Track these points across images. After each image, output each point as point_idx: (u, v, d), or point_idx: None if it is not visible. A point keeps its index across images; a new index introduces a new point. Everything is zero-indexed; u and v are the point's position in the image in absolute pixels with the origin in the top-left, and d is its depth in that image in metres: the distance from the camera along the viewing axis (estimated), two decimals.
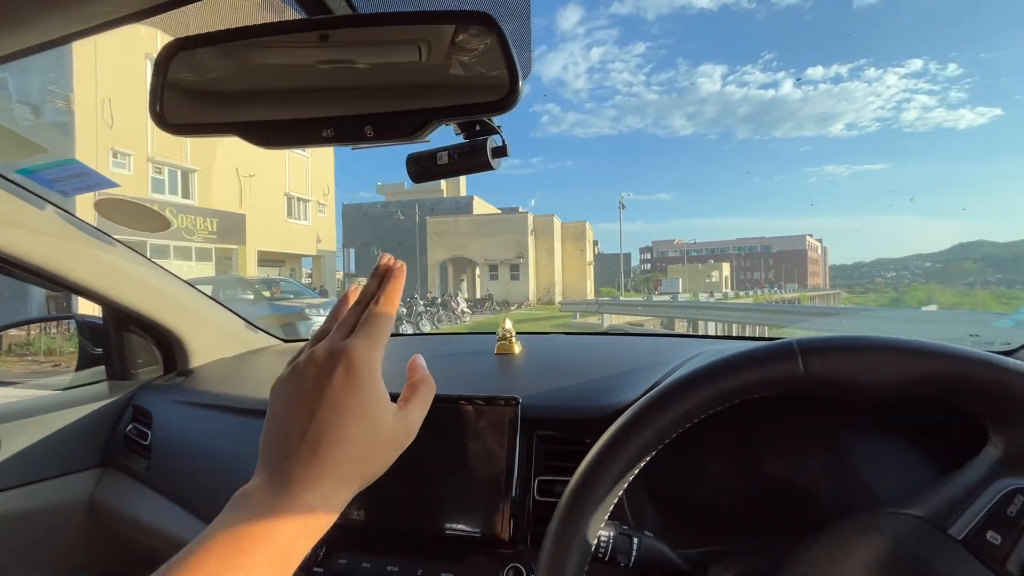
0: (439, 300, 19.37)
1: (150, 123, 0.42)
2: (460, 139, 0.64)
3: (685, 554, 0.51)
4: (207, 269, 17.32)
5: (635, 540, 0.47)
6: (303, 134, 0.44)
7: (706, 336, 1.40)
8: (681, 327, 13.08)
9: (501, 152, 0.62)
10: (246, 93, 0.48)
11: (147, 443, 0.95)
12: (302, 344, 1.34)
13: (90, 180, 0.83)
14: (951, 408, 0.35)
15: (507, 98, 0.42)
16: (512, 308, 25.16)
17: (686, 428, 0.39)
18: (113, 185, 0.84)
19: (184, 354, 1.15)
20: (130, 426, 1.01)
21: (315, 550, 0.65)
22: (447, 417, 0.68)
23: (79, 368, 1.21)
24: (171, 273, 1.13)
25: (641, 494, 0.67)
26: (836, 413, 0.67)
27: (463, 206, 34.13)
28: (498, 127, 0.61)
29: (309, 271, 25.57)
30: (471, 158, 0.61)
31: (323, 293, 17.99)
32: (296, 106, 0.47)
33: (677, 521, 0.67)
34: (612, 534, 0.46)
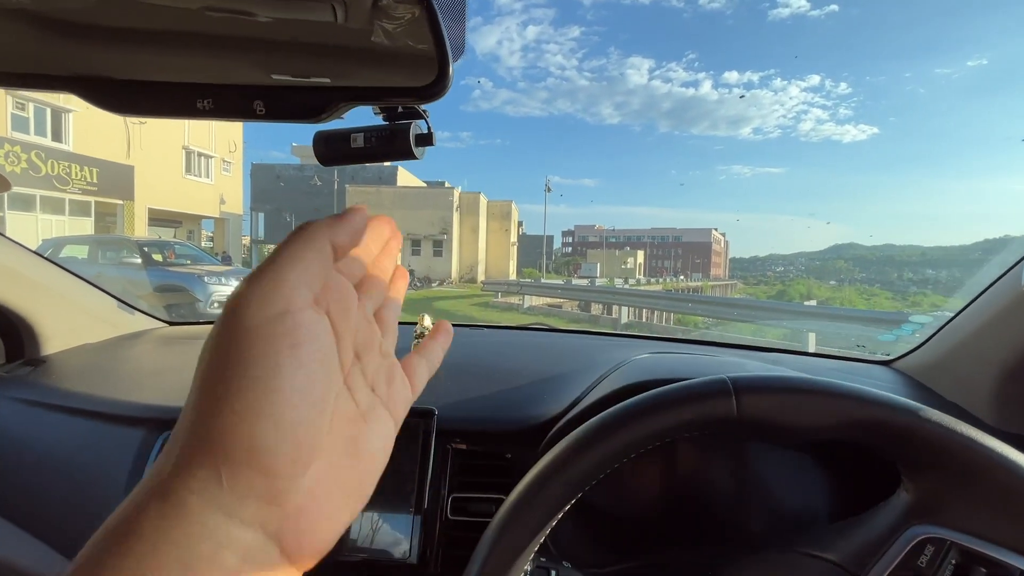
0: None
1: None
2: (380, 120, 0.56)
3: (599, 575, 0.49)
4: (84, 225, 15.20)
5: (552, 573, 0.45)
6: (170, 102, 0.34)
7: (628, 336, 1.43)
8: (597, 310, 13.65)
9: (426, 140, 0.54)
10: (96, 35, 0.36)
11: None
12: (193, 328, 1.17)
13: None
14: (871, 451, 0.35)
15: (435, 85, 0.35)
16: (434, 285, 24.78)
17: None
18: None
19: (33, 339, 0.96)
20: None
21: None
22: None
23: None
24: (12, 240, 0.93)
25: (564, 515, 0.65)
26: (759, 444, 0.68)
27: (386, 176, 32.76)
28: (424, 111, 0.54)
29: (210, 235, 23.33)
30: (390, 144, 0.53)
31: (226, 260, 16.49)
32: (165, 64, 0.37)
33: (594, 537, 0.66)
34: (529, 569, 0.43)
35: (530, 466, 0.63)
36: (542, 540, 0.37)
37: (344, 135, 0.55)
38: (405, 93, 0.36)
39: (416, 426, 0.61)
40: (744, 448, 0.67)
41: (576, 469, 0.36)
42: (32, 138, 14.07)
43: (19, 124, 13.91)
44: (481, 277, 29.56)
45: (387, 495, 0.59)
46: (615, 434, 0.36)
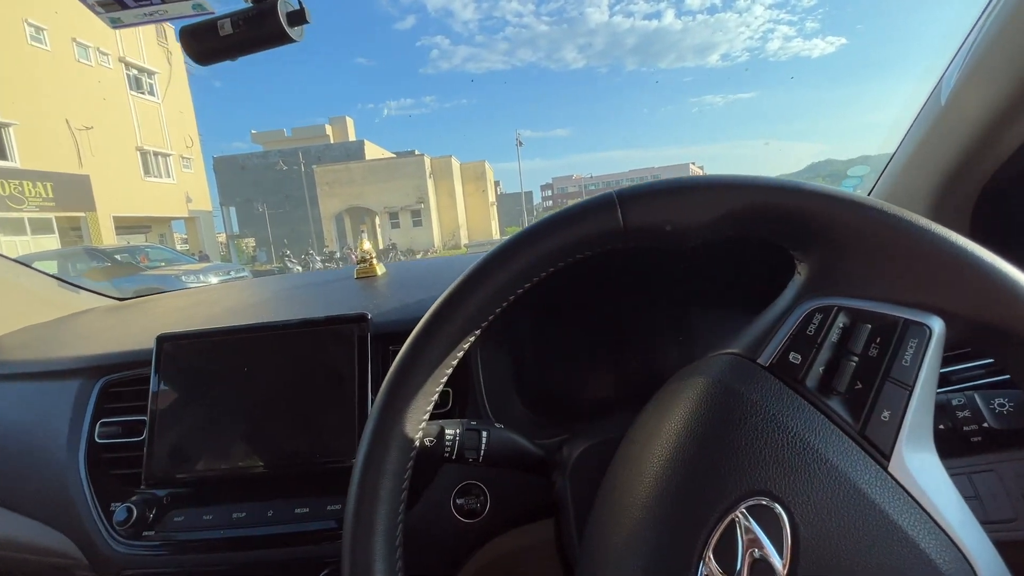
0: (338, 255, 18.31)
1: None
2: (247, 5, 0.52)
3: (543, 443, 0.49)
4: (50, 243, 14.72)
5: (484, 433, 0.44)
6: None
7: None
8: None
9: (299, 18, 0.50)
10: None
11: None
12: (139, 300, 1.14)
13: None
14: (763, 240, 0.34)
15: None
16: (418, 256, 24.61)
17: (513, 299, 0.36)
18: None
19: None
20: None
21: (143, 512, 0.56)
22: (289, 345, 0.60)
23: None
24: None
25: (509, 393, 0.65)
26: (673, 283, 0.68)
27: (353, 152, 31.82)
28: None
29: (184, 236, 22.74)
30: (261, 27, 0.50)
31: (203, 258, 16.17)
32: None
33: (547, 416, 0.66)
34: (457, 431, 0.43)
35: (472, 360, 0.63)
36: (439, 389, 0.36)
37: (211, 25, 0.51)
38: None
39: (350, 332, 0.60)
40: (655, 294, 0.68)
41: (471, 305, 0.35)
42: None
43: None
44: (464, 241, 29.36)
45: (329, 403, 0.58)
46: (512, 260, 0.34)
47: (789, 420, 0.30)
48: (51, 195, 14.88)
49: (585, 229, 0.34)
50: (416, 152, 33.03)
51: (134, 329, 0.79)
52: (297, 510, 0.56)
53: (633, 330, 0.69)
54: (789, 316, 0.32)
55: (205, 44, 0.51)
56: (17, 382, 0.73)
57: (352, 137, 35.19)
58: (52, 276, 1.12)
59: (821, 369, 0.31)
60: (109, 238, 16.42)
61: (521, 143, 34.47)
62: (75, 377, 0.66)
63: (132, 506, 0.56)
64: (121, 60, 18.48)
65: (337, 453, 0.57)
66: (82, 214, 15.86)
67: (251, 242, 30.76)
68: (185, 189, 21.22)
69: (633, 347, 0.69)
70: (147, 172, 19.46)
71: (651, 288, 0.69)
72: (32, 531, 0.63)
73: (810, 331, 0.31)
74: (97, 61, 17.49)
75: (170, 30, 21.32)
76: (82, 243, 15.54)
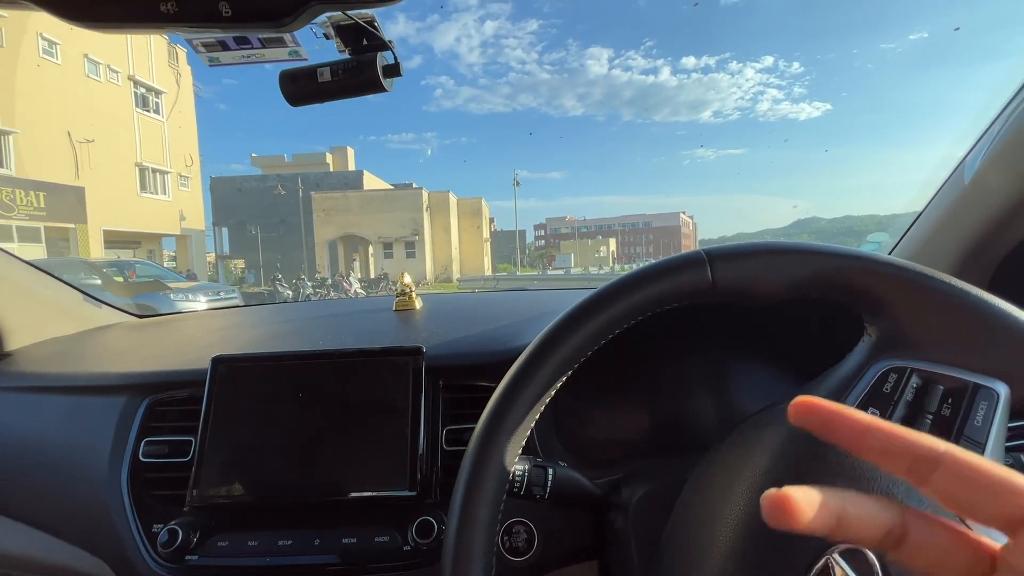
0: (329, 281, 18.24)
1: None
2: (344, 56, 0.56)
3: (599, 483, 0.51)
4: (35, 252, 14.48)
5: (550, 471, 0.46)
6: (131, 7, 0.34)
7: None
8: None
9: (394, 71, 0.55)
10: None
11: None
12: (164, 317, 1.15)
13: None
14: (837, 304, 0.37)
15: None
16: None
17: (599, 348, 0.38)
18: None
19: None
20: None
21: (187, 535, 0.56)
22: (344, 373, 0.62)
23: None
24: None
25: (550, 435, 0.67)
26: (711, 338, 0.72)
27: (352, 181, 32.19)
28: (389, 41, 0.54)
29: (172, 253, 22.52)
30: (359, 76, 0.54)
31: (191, 276, 15.97)
32: None
33: (584, 459, 0.68)
34: (527, 467, 0.45)
35: None
36: (533, 425, 0.38)
37: (310, 71, 0.55)
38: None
39: (405, 364, 0.62)
40: (706, 352, 0.71)
41: (566, 347, 0.37)
42: None
43: None
44: (456, 275, 29.43)
45: (383, 433, 0.59)
46: (600, 311, 0.37)
47: (871, 470, 0.32)
48: (43, 205, 14.75)
49: (677, 283, 0.37)
50: (414, 185, 33.51)
51: (174, 348, 0.80)
52: (344, 540, 0.56)
53: (668, 380, 0.72)
54: (865, 373, 0.35)
55: (302, 87, 0.54)
56: (51, 395, 0.73)
57: (352, 167, 35.66)
58: (77, 289, 1.12)
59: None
60: (97, 251, 16.22)
61: (519, 183, 35.20)
62: (120, 394, 0.66)
63: (177, 528, 0.56)
64: (130, 78, 18.78)
65: (387, 484, 0.57)
66: (72, 226, 15.70)
67: (240, 263, 30.52)
68: (180, 207, 21.18)
69: (667, 396, 0.72)
70: (143, 188, 19.45)
71: (687, 340, 0.72)
72: (63, 553, 0.62)
73: (886, 389, 0.34)
74: (106, 78, 17.76)
75: (181, 53, 21.84)
76: (69, 254, 15.32)
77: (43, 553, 0.64)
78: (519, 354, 0.64)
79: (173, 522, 0.57)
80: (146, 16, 0.34)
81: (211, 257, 28.86)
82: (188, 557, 0.56)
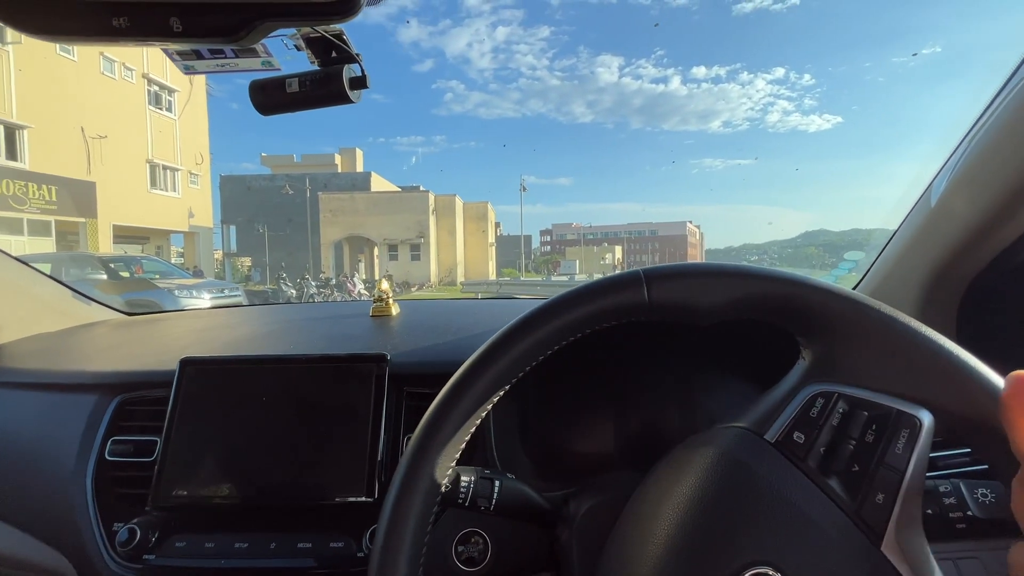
0: (333, 281, 18.32)
1: None
2: (314, 68, 0.57)
3: (549, 496, 0.51)
4: (45, 245, 14.65)
5: (496, 483, 0.46)
6: (84, 21, 0.35)
7: None
8: None
9: (360, 83, 0.56)
10: None
11: None
12: (152, 315, 1.16)
13: None
14: (771, 325, 0.38)
15: (347, 1, 0.36)
16: (413, 289, 24.62)
17: (539, 362, 0.39)
18: None
19: None
20: None
21: (145, 535, 0.56)
22: (307, 379, 0.62)
23: None
24: None
25: (514, 445, 0.67)
26: (679, 352, 0.72)
27: (360, 182, 32.38)
28: (357, 55, 0.55)
29: (180, 250, 22.71)
30: (325, 87, 0.55)
31: (198, 274, 16.08)
32: None
33: (551, 470, 0.68)
34: (472, 479, 0.45)
35: None
36: (467, 439, 0.38)
37: (279, 82, 0.56)
38: (320, 10, 0.37)
39: (369, 371, 0.62)
40: (667, 365, 0.71)
41: (502, 363, 0.38)
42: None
43: None
44: (461, 279, 29.47)
45: (344, 439, 0.60)
46: (536, 327, 0.38)
47: (792, 494, 0.32)
48: (54, 199, 14.93)
49: (612, 301, 0.38)
50: (421, 188, 33.66)
51: (152, 348, 0.81)
52: (300, 544, 0.57)
53: (636, 392, 0.72)
54: (794, 398, 0.36)
55: (271, 97, 0.56)
56: (28, 391, 0.74)
57: (360, 168, 35.89)
58: (66, 286, 1.14)
59: (822, 449, 0.34)
60: (106, 246, 16.38)
61: (525, 189, 35.28)
62: (92, 392, 0.68)
63: (136, 527, 0.57)
64: (144, 76, 19.01)
65: (345, 490, 0.58)
66: (82, 220, 15.88)
67: (246, 262, 30.73)
68: (189, 204, 21.37)
69: (635, 409, 0.72)
70: (153, 184, 19.65)
71: (655, 354, 0.73)
72: (25, 546, 0.63)
73: (813, 413, 0.34)
74: (121, 75, 17.99)
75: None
76: (78, 247, 15.48)
77: (8, 547, 0.65)
78: None
79: (133, 521, 0.58)
80: (98, 30, 0.35)
81: (218, 255, 29.07)
82: (146, 556, 0.57)
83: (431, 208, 30.08)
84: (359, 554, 0.56)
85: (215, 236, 26.18)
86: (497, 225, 44.76)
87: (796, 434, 0.34)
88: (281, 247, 29.71)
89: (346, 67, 0.54)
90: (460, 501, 0.45)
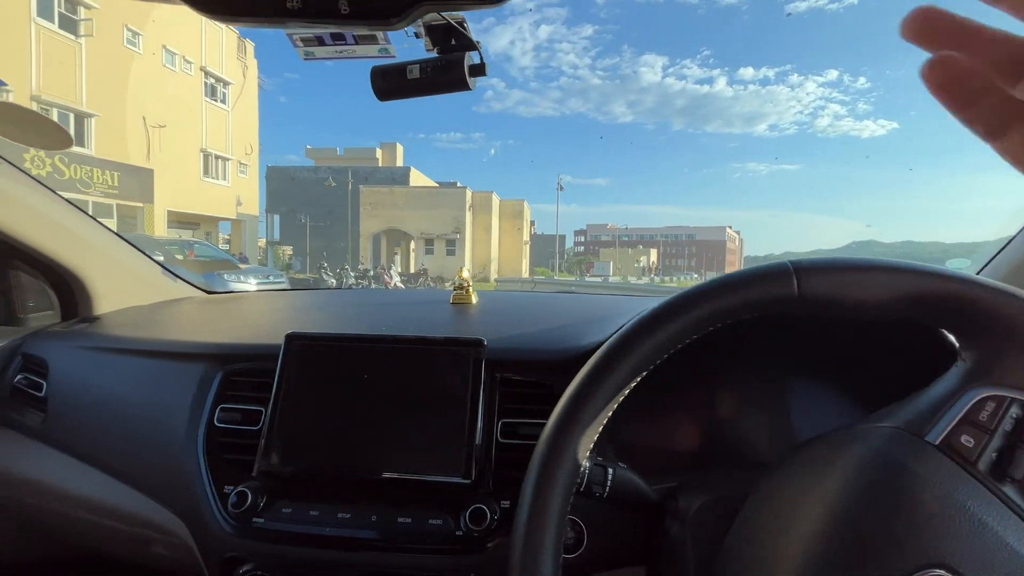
0: (371, 272, 18.74)
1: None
2: (431, 55, 0.58)
3: (657, 488, 0.51)
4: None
5: (610, 471, 0.46)
6: (261, 2, 0.37)
7: (656, 293, 1.44)
8: None
9: (479, 71, 0.57)
10: None
11: (42, 395, 0.82)
12: (232, 295, 1.22)
13: None
14: (930, 325, 0.36)
15: None
16: (447, 284, 24.88)
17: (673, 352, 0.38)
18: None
19: (87, 299, 1.00)
20: (19, 376, 0.87)
21: (255, 499, 0.59)
22: (406, 359, 0.64)
23: None
24: (74, 205, 0.98)
25: (603, 437, 0.67)
26: (785, 356, 0.70)
27: (399, 177, 32.94)
28: (477, 42, 0.56)
29: (227, 236, 23.67)
30: (446, 74, 0.56)
31: (243, 259, 16.77)
32: None
33: (634, 465, 0.67)
34: (587, 465, 0.45)
35: None
36: (604, 423, 0.38)
37: (400, 68, 0.58)
38: (476, 1, 0.38)
39: (466, 355, 0.63)
40: (774, 359, 0.69)
41: (646, 346, 0.38)
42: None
43: None
44: (494, 276, 29.62)
45: (442, 421, 0.61)
46: (682, 313, 0.37)
47: (965, 499, 0.31)
48: (116, 184, 15.80)
49: (760, 292, 0.37)
50: (458, 184, 33.95)
51: (248, 324, 0.85)
52: (400, 519, 0.59)
53: (726, 392, 0.71)
54: (957, 400, 0.34)
55: (392, 83, 0.57)
56: (137, 358, 0.79)
57: (400, 163, 36.49)
58: (157, 262, 1.21)
59: (994, 455, 0.32)
60: (161, 230, 17.24)
61: (562, 188, 35.11)
62: (200, 361, 0.71)
63: (247, 491, 0.59)
64: (202, 69, 19.88)
65: (444, 470, 0.59)
66: (140, 205, 16.75)
67: (288, 250, 31.74)
68: (237, 193, 22.24)
69: (724, 409, 0.70)
70: (206, 173, 20.54)
71: (749, 353, 0.71)
72: (142, 505, 0.67)
73: (982, 417, 0.33)
74: (181, 68, 18.87)
75: (250, 46, 23.00)
76: (136, 231, 16.34)
77: (124, 503, 0.69)
78: (579, 354, 0.65)
79: (243, 485, 0.60)
80: (273, 11, 0.37)
81: (262, 242, 30.13)
82: (255, 519, 0.60)
83: (468, 204, 30.32)
84: (457, 532, 0.57)
85: (260, 224, 27.18)
86: (532, 223, 44.74)
87: (964, 438, 0.33)
88: (321, 237, 30.56)
89: (466, 54, 0.55)
90: (576, 487, 0.45)
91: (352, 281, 15.24)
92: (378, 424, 0.61)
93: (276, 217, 32.91)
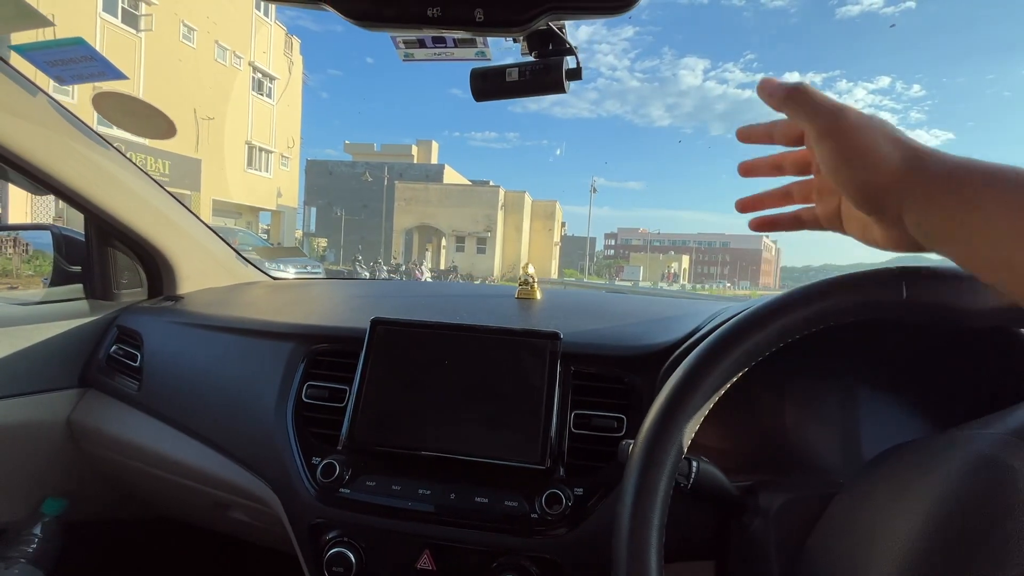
0: (403, 267, 19.05)
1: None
2: (526, 58, 0.61)
3: (738, 484, 0.52)
4: None
5: (694, 464, 0.48)
6: (404, 8, 0.40)
7: (715, 298, 1.44)
8: None
9: (575, 75, 0.59)
10: None
11: (137, 364, 0.89)
12: (293, 281, 1.28)
13: (94, 67, 0.73)
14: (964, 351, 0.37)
15: None
16: (476, 282, 25.07)
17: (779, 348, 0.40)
18: (122, 77, 0.75)
19: (172, 279, 1.08)
20: (115, 347, 0.94)
21: (342, 471, 0.63)
22: (488, 348, 0.67)
23: (52, 285, 1.11)
24: (165, 189, 1.05)
25: None
26: (860, 365, 0.70)
27: (433, 174, 33.37)
28: (574, 47, 0.59)
29: (266, 227, 24.47)
30: (544, 77, 0.59)
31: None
32: None
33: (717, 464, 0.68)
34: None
35: (648, 390, 0.67)
36: (712, 405, 0.40)
37: (500, 71, 0.61)
38: (601, 10, 0.40)
39: (543, 346, 0.66)
40: (855, 370, 0.68)
41: (750, 342, 0.39)
42: (114, 131, 15.11)
43: (104, 119, 15.08)
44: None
45: (518, 408, 0.64)
46: (788, 312, 0.39)
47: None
48: (167, 172, 16.53)
49: (867, 295, 0.38)
50: (491, 183, 34.15)
51: (328, 309, 0.90)
52: (477, 499, 0.61)
53: (797, 397, 0.71)
54: None
55: (491, 84, 0.60)
56: (227, 334, 0.84)
57: (435, 160, 37.00)
58: (231, 247, 1.28)
59: None
60: (206, 218, 17.86)
61: (595, 190, 34.90)
62: (289, 340, 0.76)
63: (334, 463, 0.63)
64: (251, 64, 20.61)
65: (520, 454, 0.61)
66: (188, 193, 17.49)
67: (323, 242, 32.58)
68: (278, 184, 22.98)
69: (793, 413, 0.71)
70: (250, 164, 21.29)
71: (822, 360, 0.71)
72: (232, 472, 0.72)
73: None
74: (231, 62, 19.60)
75: (296, 42, 23.71)
76: None
77: (215, 469, 0.74)
78: (652, 351, 0.67)
79: (330, 457, 0.64)
80: (416, 18, 0.40)
81: (298, 234, 31.02)
82: (341, 490, 0.63)
83: (500, 203, 30.46)
84: (532, 515, 0.60)
85: (298, 216, 28.01)
86: (563, 225, 44.60)
87: None
88: (355, 231, 31.26)
89: (564, 59, 0.57)
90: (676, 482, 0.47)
91: (385, 275, 15.54)
92: (457, 407, 0.65)
93: (313, 209, 33.83)
